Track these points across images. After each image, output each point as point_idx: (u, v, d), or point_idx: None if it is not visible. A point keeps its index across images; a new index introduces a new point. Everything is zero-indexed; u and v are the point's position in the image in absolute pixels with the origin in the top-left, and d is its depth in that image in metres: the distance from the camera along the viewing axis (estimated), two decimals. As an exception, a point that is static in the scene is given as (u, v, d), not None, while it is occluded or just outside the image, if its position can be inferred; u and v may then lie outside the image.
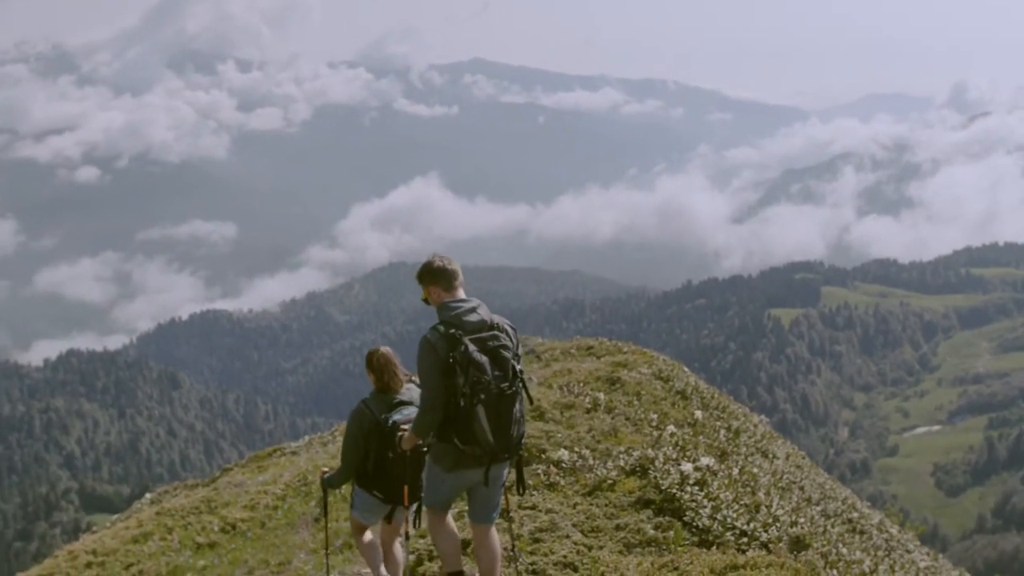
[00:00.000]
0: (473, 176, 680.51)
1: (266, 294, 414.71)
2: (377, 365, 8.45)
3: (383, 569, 8.60)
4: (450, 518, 7.46)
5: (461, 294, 7.07)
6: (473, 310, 6.88)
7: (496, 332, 6.81)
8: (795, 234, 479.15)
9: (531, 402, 7.38)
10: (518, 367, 6.83)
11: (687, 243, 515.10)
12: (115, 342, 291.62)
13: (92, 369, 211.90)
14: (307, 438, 23.42)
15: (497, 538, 7.46)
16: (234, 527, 13.13)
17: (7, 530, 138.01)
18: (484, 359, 6.62)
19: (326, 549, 9.68)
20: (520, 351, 7.03)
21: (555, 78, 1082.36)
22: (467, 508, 7.65)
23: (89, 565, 12.82)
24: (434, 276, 7.06)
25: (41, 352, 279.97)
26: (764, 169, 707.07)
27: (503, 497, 7.63)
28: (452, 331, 6.70)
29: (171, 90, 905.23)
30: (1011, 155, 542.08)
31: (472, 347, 6.61)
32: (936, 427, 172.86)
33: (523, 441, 7.01)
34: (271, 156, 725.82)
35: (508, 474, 7.48)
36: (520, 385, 6.84)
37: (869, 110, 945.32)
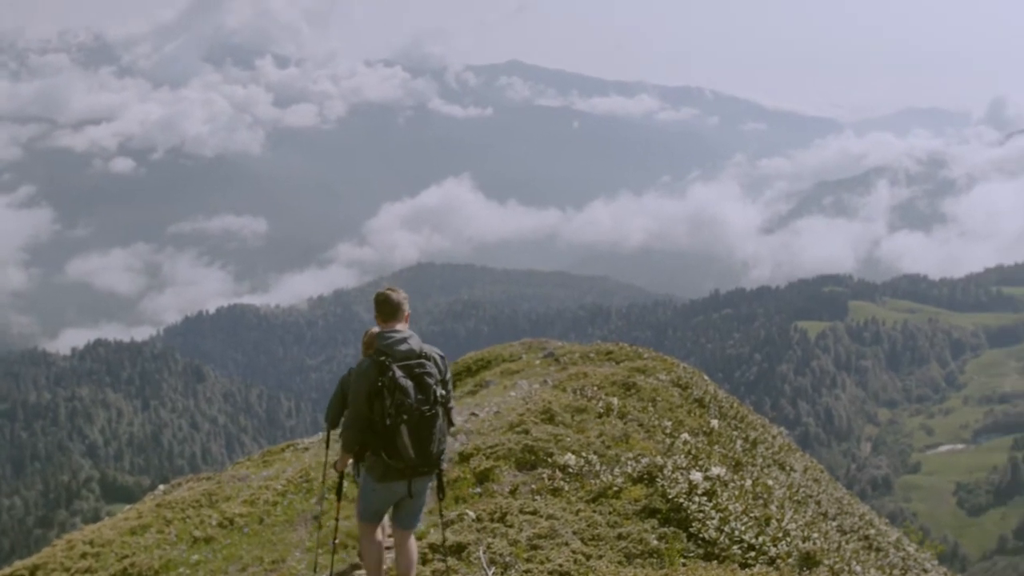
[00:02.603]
0: (505, 178, 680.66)
1: (294, 290, 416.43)
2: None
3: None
4: (379, 531, 8.25)
5: (398, 326, 7.81)
6: (404, 340, 7.61)
7: (423, 361, 7.56)
8: (825, 247, 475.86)
9: (451, 424, 7.95)
10: (439, 392, 7.55)
11: (716, 252, 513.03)
12: (142, 333, 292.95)
13: (118, 359, 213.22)
14: (321, 434, 23.08)
15: (415, 545, 8.34)
16: (232, 522, 12.82)
17: (28, 517, 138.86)
18: (409, 384, 7.41)
19: (326, 547, 9.43)
20: (448, 377, 7.79)
21: (591, 83, 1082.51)
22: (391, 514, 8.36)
23: (84, 556, 12.57)
24: (378, 305, 7.92)
25: (69, 340, 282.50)
26: (797, 180, 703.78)
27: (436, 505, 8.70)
28: (382, 359, 7.50)
29: (208, 84, 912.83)
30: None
31: (399, 373, 7.41)
32: (960, 446, 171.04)
33: (443, 457, 7.76)
34: (305, 152, 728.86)
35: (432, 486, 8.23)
36: (440, 409, 7.56)
37: (905, 124, 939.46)
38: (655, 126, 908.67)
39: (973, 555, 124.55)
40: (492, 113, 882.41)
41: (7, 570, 13.12)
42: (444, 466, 7.95)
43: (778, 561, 8.90)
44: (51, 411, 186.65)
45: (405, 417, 7.38)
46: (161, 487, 22.35)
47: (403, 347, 7.55)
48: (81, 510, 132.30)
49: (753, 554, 8.95)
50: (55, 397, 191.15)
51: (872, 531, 16.49)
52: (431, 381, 7.50)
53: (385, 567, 8.72)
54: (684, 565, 8.36)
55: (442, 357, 7.78)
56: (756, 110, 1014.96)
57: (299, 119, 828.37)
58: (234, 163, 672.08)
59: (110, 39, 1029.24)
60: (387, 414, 7.39)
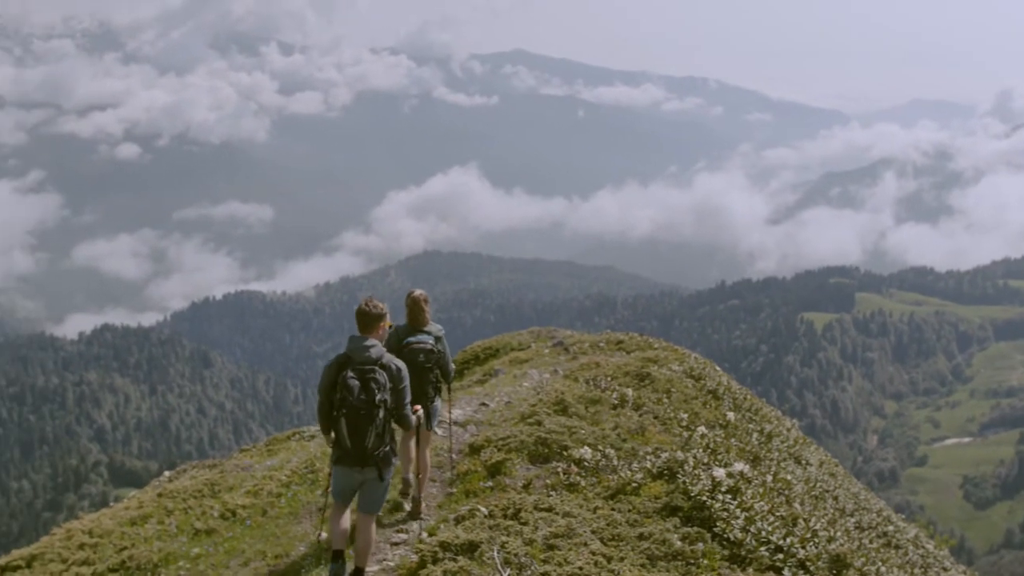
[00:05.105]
0: (511, 167, 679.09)
1: (300, 277, 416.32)
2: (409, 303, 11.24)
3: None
4: (347, 513, 9.26)
5: (368, 334, 9.03)
6: (367, 349, 8.85)
7: (376, 367, 8.78)
8: (832, 238, 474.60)
9: (399, 419, 9.13)
10: (382, 397, 8.72)
11: (722, 243, 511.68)
12: (148, 319, 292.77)
13: (126, 344, 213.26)
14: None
15: (373, 529, 9.32)
16: (234, 513, 12.37)
17: (36, 500, 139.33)
18: (356, 384, 8.66)
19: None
20: (402, 386, 8.98)
21: (596, 72, 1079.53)
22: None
23: (82, 546, 12.15)
24: (357, 316, 9.09)
25: (75, 325, 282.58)
26: (803, 171, 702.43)
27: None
28: (343, 359, 8.87)
29: (214, 71, 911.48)
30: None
31: (350, 374, 8.71)
32: (967, 439, 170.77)
33: (379, 454, 8.88)
34: (310, 140, 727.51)
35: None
36: (379, 412, 8.71)
37: (912, 116, 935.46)
38: (660, 116, 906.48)
39: (980, 549, 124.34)
40: (497, 102, 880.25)
41: (4, 559, 12.76)
42: (393, 463, 9.12)
43: (808, 564, 8.47)
44: (59, 395, 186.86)
45: (345, 411, 8.61)
46: (166, 473, 22.01)
47: (364, 354, 8.79)
48: (89, 494, 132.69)
49: (781, 556, 8.52)
50: (63, 381, 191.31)
51: (890, 527, 16.08)
52: (375, 387, 8.65)
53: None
54: (713, 570, 7.95)
55: (399, 368, 8.97)
56: (761, 100, 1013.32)
57: (304, 107, 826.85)
58: (240, 150, 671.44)
59: (115, 25, 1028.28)
60: (335, 406, 8.71)
